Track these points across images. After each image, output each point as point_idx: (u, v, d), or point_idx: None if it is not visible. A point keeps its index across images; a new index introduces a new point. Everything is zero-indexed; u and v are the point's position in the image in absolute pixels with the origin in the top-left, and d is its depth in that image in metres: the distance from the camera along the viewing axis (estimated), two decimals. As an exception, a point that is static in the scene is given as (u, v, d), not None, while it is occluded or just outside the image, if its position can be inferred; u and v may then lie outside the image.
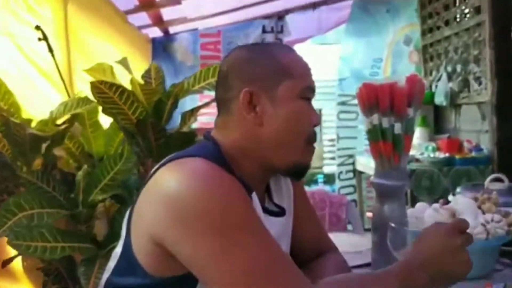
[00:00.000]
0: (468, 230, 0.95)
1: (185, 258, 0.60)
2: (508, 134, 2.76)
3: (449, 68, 3.22)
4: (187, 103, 2.54)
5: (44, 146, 1.41)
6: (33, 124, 1.46)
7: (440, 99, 3.14)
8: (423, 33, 3.58)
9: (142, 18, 2.99)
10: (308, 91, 0.76)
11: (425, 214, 1.06)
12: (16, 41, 1.56)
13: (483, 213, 1.04)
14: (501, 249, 1.09)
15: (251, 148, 0.73)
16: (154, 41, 3.56)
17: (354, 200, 3.87)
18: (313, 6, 3.66)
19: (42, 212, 1.23)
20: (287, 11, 3.64)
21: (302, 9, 3.67)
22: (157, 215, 0.63)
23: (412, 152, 3.14)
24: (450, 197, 1.26)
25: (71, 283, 1.39)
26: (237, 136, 0.74)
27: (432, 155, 2.93)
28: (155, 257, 0.65)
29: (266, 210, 0.75)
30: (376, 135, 1.01)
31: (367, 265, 1.12)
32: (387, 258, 0.97)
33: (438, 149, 3.06)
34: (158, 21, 3.19)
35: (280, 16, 3.64)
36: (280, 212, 0.80)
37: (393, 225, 0.92)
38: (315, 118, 0.76)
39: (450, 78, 3.17)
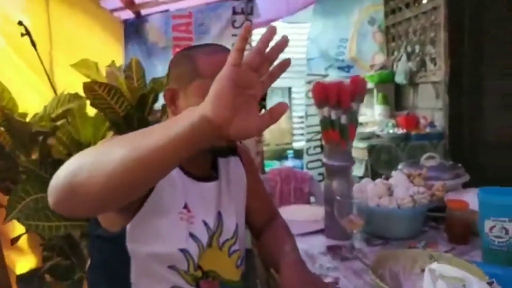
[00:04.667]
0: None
1: None
2: (458, 112, 3.00)
3: (409, 49, 3.39)
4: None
5: (40, 138, 1.55)
6: (28, 117, 1.58)
7: (400, 78, 3.34)
8: (386, 15, 3.74)
9: (114, 1, 3.03)
10: None
11: (367, 188, 1.28)
12: (5, 38, 1.64)
13: (414, 186, 1.27)
14: (429, 215, 1.33)
15: None
16: (125, 23, 3.60)
17: (321, 174, 4.12)
18: (282, -12, 3.76)
19: (44, 196, 1.39)
20: (257, -7, 3.73)
21: (271, -9, 3.76)
22: None
23: (373, 128, 3.37)
24: (393, 173, 1.48)
25: (72, 255, 1.58)
26: None
27: (391, 131, 3.13)
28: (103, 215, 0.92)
29: (194, 177, 0.98)
30: (326, 125, 1.20)
31: (321, 231, 1.34)
32: (336, 225, 1.18)
33: (397, 125, 3.26)
34: (130, 4, 3.24)
35: (249, -2, 3.72)
36: (209, 177, 1.03)
37: (338, 198, 1.13)
38: None
39: (409, 58, 3.35)
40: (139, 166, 0.59)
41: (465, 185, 1.51)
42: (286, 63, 0.63)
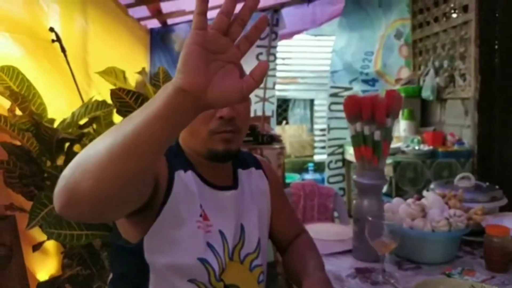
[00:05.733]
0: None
1: None
2: (488, 129, 2.90)
3: (437, 64, 3.32)
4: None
5: (67, 144, 1.56)
6: (56, 123, 1.59)
7: (427, 94, 3.26)
8: (413, 28, 3.68)
9: (142, 11, 3.07)
10: None
11: (399, 208, 1.22)
12: (36, 43, 1.65)
13: (449, 208, 1.20)
14: (463, 239, 1.26)
15: (183, 143, 0.99)
16: (152, 31, 3.64)
17: (342, 188, 4.04)
18: (308, 0, 3.74)
19: (67, 203, 1.38)
20: (282, 5, 3.73)
21: (297, 2, 3.76)
22: None
23: (398, 144, 3.28)
24: (425, 193, 1.42)
25: (93, 265, 1.56)
26: (181, 137, 1.01)
27: (417, 148, 3.05)
28: (122, 225, 0.91)
29: (212, 185, 0.97)
30: (358, 141, 1.16)
31: (348, 251, 1.28)
32: (366, 246, 1.13)
33: (423, 141, 3.17)
34: (157, 13, 3.27)
35: (275, 9, 3.73)
36: (228, 186, 1.00)
37: (370, 218, 1.07)
38: (220, 113, 0.92)
39: (437, 73, 3.28)
40: (125, 152, 0.56)
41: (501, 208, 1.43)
42: (262, 21, 0.57)
